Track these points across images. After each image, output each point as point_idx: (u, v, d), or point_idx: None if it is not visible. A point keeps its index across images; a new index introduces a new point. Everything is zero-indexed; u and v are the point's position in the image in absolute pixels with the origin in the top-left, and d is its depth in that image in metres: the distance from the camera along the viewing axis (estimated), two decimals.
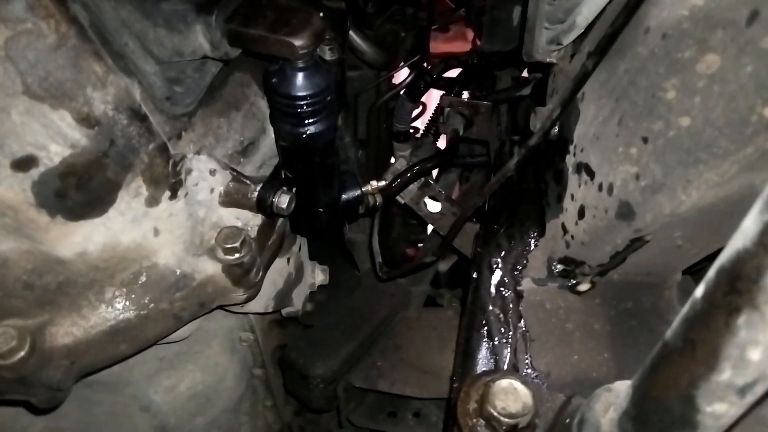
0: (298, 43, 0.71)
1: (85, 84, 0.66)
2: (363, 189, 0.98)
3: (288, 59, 0.74)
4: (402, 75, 1.67)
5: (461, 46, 2.05)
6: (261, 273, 0.92)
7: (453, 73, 1.48)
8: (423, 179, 1.26)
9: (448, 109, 1.25)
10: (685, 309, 0.37)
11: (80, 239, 0.74)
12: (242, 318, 1.25)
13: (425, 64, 1.69)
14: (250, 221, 0.90)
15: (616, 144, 0.68)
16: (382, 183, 0.99)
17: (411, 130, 1.52)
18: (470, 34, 2.04)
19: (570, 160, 0.79)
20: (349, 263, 1.59)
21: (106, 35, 0.69)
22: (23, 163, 0.65)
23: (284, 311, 1.24)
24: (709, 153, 0.58)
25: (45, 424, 1.22)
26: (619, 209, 0.68)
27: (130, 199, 0.74)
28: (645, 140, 0.64)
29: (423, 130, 1.53)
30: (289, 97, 0.76)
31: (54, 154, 0.66)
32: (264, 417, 1.58)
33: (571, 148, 0.79)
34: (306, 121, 0.79)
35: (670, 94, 0.60)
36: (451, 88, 1.48)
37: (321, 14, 0.71)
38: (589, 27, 0.76)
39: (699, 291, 0.35)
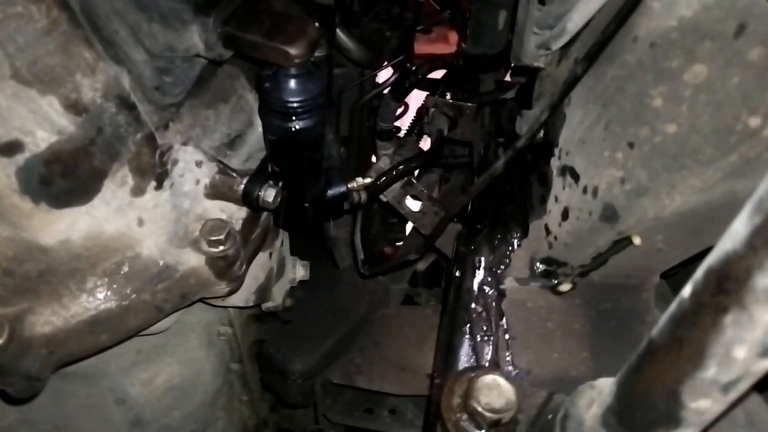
0: (293, 51, 0.71)
1: (75, 70, 0.65)
2: (349, 185, 0.98)
3: (282, 66, 0.74)
4: (384, 74, 1.68)
5: (443, 48, 2.06)
6: (244, 266, 0.92)
7: (436, 74, 1.49)
8: (406, 178, 1.27)
9: (433, 109, 1.26)
10: (672, 308, 0.38)
11: (64, 227, 0.73)
12: (221, 312, 1.24)
13: (409, 65, 1.70)
14: (235, 214, 0.90)
15: (602, 148, 0.70)
16: (368, 180, 1.00)
17: (393, 129, 1.52)
18: (452, 37, 2.05)
19: (555, 163, 0.80)
20: (329, 259, 1.60)
21: (97, 21, 0.68)
22: (8, 148, 0.64)
23: (264, 306, 1.24)
24: (694, 159, 0.59)
25: (17, 416, 1.20)
26: (603, 212, 0.69)
27: (116, 188, 0.74)
28: (631, 145, 0.65)
29: (406, 130, 1.54)
30: (281, 101, 0.76)
31: (40, 140, 0.66)
32: (240, 412, 1.57)
33: (556, 151, 0.80)
34: (296, 118, 0.79)
35: (657, 102, 0.61)
36: (434, 88, 1.49)
37: (316, 23, 0.72)
38: (577, 33, 0.78)
39: (686, 290, 0.37)
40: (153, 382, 1.22)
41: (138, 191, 0.76)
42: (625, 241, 0.70)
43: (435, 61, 1.40)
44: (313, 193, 0.93)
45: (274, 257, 1.14)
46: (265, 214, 0.98)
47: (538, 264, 0.83)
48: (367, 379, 1.40)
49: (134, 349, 1.15)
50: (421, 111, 1.48)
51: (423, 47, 1.97)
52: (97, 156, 0.70)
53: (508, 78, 1.43)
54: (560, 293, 0.82)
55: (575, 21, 0.73)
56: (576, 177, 0.74)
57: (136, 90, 0.72)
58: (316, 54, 0.94)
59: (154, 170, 0.76)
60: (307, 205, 0.93)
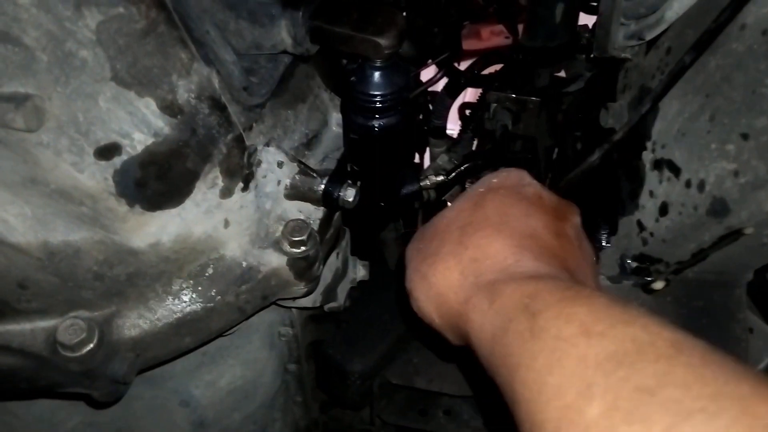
0: (384, 42, 0.70)
1: (171, 71, 0.64)
2: (422, 184, 0.97)
3: (369, 58, 0.73)
4: (430, 71, 1.66)
5: (474, 44, 2.04)
6: (321, 267, 0.91)
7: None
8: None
9: (495, 104, 1.23)
10: None
11: (155, 230, 0.72)
12: (283, 313, 1.24)
13: (456, 62, 1.68)
14: (312, 214, 0.89)
15: (707, 141, 0.67)
16: (440, 178, 0.98)
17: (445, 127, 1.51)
18: (484, 33, 2.03)
19: (648, 157, 0.78)
20: (382, 260, 1.58)
21: (188, 22, 0.68)
22: (107, 151, 0.64)
23: (327, 306, 1.23)
24: None
25: (81, 419, 1.20)
26: (711, 206, 0.67)
27: (207, 189, 0.73)
28: (745, 137, 0.63)
29: (460, 127, 1.52)
30: (367, 95, 0.75)
31: (137, 142, 0.65)
32: (293, 413, 1.56)
33: (649, 144, 0.78)
34: (380, 114, 0.78)
35: None
36: (487, 85, 1.47)
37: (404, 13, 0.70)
38: None
39: None
40: (216, 384, 1.22)
41: (226, 193, 0.75)
42: (733, 236, 0.68)
43: (492, 57, 1.38)
44: (389, 191, 0.92)
45: (340, 257, 1.13)
46: (337, 213, 0.97)
47: (629, 261, 0.81)
48: (426, 380, 1.38)
49: (200, 351, 1.14)
50: (479, 107, 1.46)
51: (472, 43, 1.95)
52: (191, 158, 0.69)
53: (562, 73, 1.41)
54: (653, 291, 0.80)
55: (675, 9, 0.70)
56: (676, 171, 0.72)
57: (224, 91, 0.71)
58: None
59: (242, 171, 0.75)
60: (382, 203, 0.92)
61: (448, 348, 0.67)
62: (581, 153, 0.95)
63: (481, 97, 1.44)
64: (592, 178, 0.88)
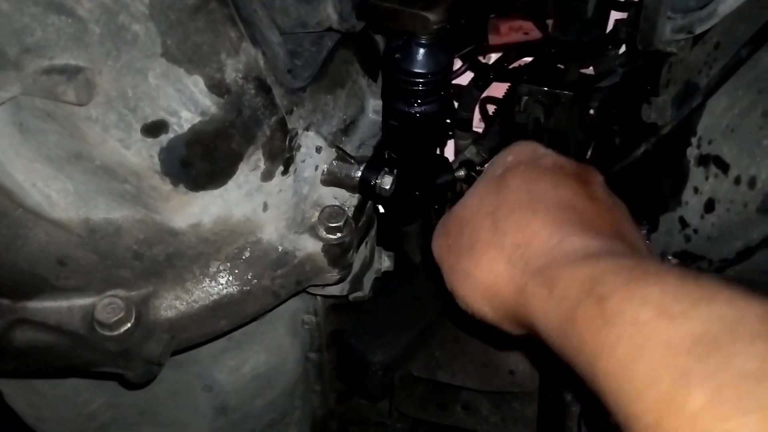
0: (433, 17, 0.69)
1: (220, 49, 0.64)
2: (456, 174, 0.96)
3: (414, 34, 0.72)
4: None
5: (492, 39, 2.02)
6: (354, 254, 0.91)
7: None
8: None
9: (527, 97, 1.22)
10: None
11: (197, 210, 0.72)
12: (308, 300, 1.23)
13: (482, 55, 1.67)
14: (347, 201, 0.88)
15: (759, 137, 0.66)
16: (477, 170, 0.98)
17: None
18: (503, 28, 2.01)
19: (692, 152, 0.77)
20: (406, 252, 1.57)
21: (237, 1, 0.67)
22: (154, 128, 0.64)
23: (353, 296, 1.22)
24: None
25: (105, 400, 1.20)
26: (762, 203, 0.66)
27: (249, 171, 0.72)
28: None
29: (489, 119, 1.51)
30: (411, 74, 0.74)
31: (184, 120, 0.64)
32: (311, 402, 1.56)
33: (694, 140, 0.77)
34: (422, 100, 0.77)
35: None
36: (515, 78, 1.46)
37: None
38: None
39: None
40: (240, 370, 1.22)
41: (267, 176, 0.74)
42: None
43: (523, 50, 1.37)
44: (426, 180, 0.91)
45: (368, 246, 1.13)
46: (369, 202, 0.96)
47: (670, 258, 0.80)
48: (449, 374, 1.37)
49: (226, 336, 1.14)
50: (509, 99, 1.45)
51: (490, 38, 1.94)
52: (235, 138, 0.68)
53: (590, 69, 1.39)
54: None
55: (729, 3, 0.69)
56: (724, 167, 0.71)
57: (269, 72, 0.71)
58: None
59: (283, 155, 0.75)
60: (418, 192, 0.91)
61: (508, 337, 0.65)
62: (620, 148, 0.94)
63: (511, 90, 1.43)
64: (632, 174, 0.87)
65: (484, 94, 1.61)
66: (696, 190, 0.76)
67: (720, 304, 0.41)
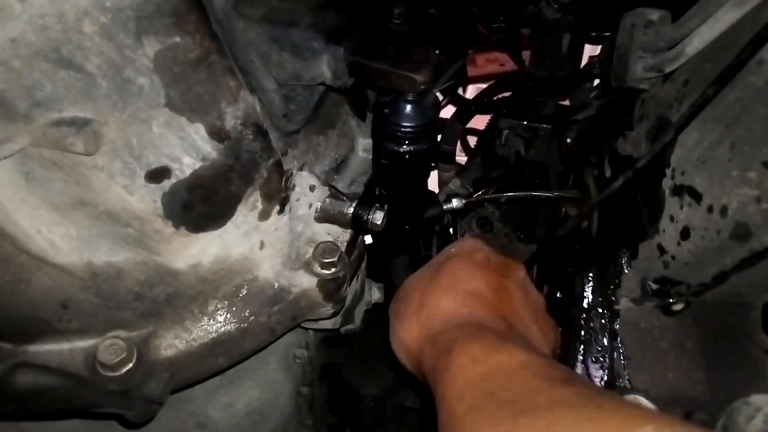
0: (420, 79, 0.73)
1: (220, 98, 0.67)
2: (444, 207, 1.00)
3: (402, 92, 0.76)
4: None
5: (470, 71, 2.09)
6: (348, 288, 0.93)
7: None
8: None
9: (507, 131, 1.27)
10: None
11: (197, 251, 0.74)
12: (300, 335, 1.25)
13: (461, 89, 1.72)
14: (340, 236, 0.91)
15: (728, 168, 0.71)
16: (463, 202, 1.01)
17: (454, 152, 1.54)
18: (480, 60, 2.08)
19: (667, 183, 0.81)
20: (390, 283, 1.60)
21: (235, 52, 0.70)
22: (158, 174, 0.66)
23: (344, 329, 1.24)
24: None
25: None
26: (734, 231, 0.70)
27: (247, 212, 0.75)
28: (766, 165, 0.66)
29: (470, 152, 1.56)
30: (399, 126, 0.78)
31: (186, 166, 0.67)
32: None
33: (668, 171, 0.81)
34: (410, 142, 0.81)
35: None
36: (495, 111, 1.51)
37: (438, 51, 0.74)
38: None
39: None
40: (234, 406, 1.22)
41: (264, 215, 0.77)
42: (754, 259, 0.71)
43: (501, 85, 1.42)
44: (414, 214, 0.94)
45: (359, 279, 1.15)
46: (361, 236, 0.99)
47: (650, 284, 0.83)
48: None
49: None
50: (489, 133, 1.50)
51: (475, 69, 2.00)
52: (235, 181, 0.71)
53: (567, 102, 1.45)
54: (674, 313, 0.83)
55: (695, 44, 0.74)
56: (697, 197, 0.75)
57: (266, 118, 0.74)
58: None
59: (279, 195, 0.78)
60: (407, 226, 0.95)
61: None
62: (599, 180, 0.98)
63: (492, 124, 1.48)
64: (612, 204, 0.92)
65: (468, 126, 1.67)
66: (672, 218, 0.80)
67: (503, 354, 0.67)
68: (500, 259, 0.94)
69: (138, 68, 0.61)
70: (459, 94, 1.69)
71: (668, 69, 0.79)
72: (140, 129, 0.63)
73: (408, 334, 0.85)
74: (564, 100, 1.41)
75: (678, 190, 0.79)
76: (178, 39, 0.62)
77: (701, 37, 0.73)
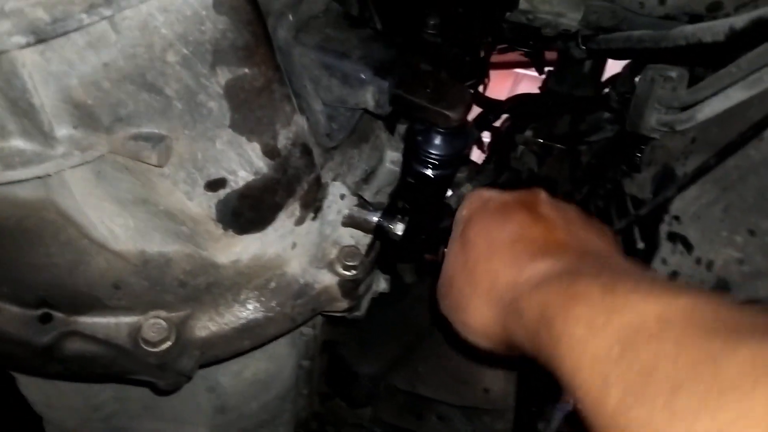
0: (453, 116, 0.80)
1: (276, 121, 0.75)
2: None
3: (436, 125, 0.84)
4: None
5: None
6: (364, 287, 1.02)
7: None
8: None
9: (523, 146, 1.35)
10: None
11: (239, 249, 0.83)
12: None
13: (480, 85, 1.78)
14: (361, 240, 1.00)
15: (719, 228, 0.79)
16: None
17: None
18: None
19: (664, 228, 0.90)
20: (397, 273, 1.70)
21: (291, 77, 0.78)
22: (215, 184, 0.74)
23: (350, 315, 1.34)
24: None
25: (112, 393, 1.30)
26: (716, 284, 0.79)
27: (286, 218, 0.84)
28: (752, 233, 0.75)
29: (485, 158, 1.63)
30: (429, 153, 0.86)
31: (240, 178, 0.75)
32: (298, 404, 1.68)
33: (667, 217, 0.90)
34: (437, 168, 0.89)
35: None
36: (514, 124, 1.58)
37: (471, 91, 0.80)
38: None
39: None
40: (242, 374, 1.33)
41: (300, 221, 0.85)
42: None
43: (523, 96, 1.49)
44: (432, 225, 1.03)
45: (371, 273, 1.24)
46: (376, 241, 1.08)
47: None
48: (431, 389, 1.50)
49: None
50: (502, 142, 1.57)
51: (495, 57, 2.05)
52: (279, 193, 0.79)
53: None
54: None
55: (705, 113, 0.82)
56: (689, 247, 0.84)
57: (311, 137, 0.82)
58: None
59: (315, 204, 0.86)
60: (423, 236, 1.03)
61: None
62: (600, 212, 1.07)
63: (509, 135, 1.55)
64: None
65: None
66: (664, 261, 0.89)
67: (628, 312, 0.49)
68: (513, 194, 0.78)
69: (210, 94, 0.68)
70: (482, 95, 1.76)
71: (679, 128, 0.87)
72: (205, 145, 0.71)
73: (478, 318, 0.71)
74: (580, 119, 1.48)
75: (673, 237, 0.88)
76: (246, 70, 0.69)
77: (711, 107, 0.81)
